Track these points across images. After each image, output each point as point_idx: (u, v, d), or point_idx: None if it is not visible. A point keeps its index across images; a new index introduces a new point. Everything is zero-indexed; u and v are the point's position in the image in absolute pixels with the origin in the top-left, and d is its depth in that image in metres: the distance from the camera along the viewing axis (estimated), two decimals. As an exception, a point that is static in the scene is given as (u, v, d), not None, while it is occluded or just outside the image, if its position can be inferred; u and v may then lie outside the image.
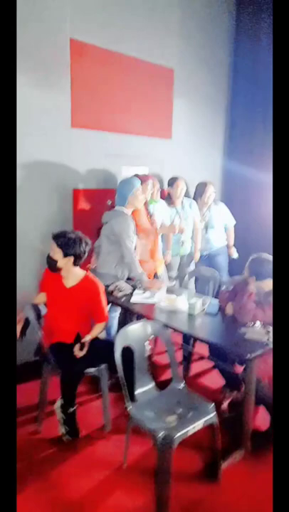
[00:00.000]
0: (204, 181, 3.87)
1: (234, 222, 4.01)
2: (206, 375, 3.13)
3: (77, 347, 2.30)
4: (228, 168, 4.61)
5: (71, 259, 2.35)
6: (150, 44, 3.71)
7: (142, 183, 3.12)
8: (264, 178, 4.21)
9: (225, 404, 2.63)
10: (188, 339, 3.13)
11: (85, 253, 2.39)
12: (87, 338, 2.36)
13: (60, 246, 2.33)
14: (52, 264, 2.39)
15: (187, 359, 3.15)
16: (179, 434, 1.84)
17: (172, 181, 3.63)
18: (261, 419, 2.50)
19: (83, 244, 2.37)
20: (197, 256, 3.80)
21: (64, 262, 2.36)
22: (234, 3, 4.43)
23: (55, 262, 2.36)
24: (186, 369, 3.13)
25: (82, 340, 2.33)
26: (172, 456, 1.84)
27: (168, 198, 3.69)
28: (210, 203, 3.86)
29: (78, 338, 2.38)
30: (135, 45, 3.58)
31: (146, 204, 3.31)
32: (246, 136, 4.43)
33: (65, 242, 2.32)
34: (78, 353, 2.29)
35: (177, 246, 3.67)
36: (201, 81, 4.24)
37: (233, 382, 2.62)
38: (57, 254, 2.35)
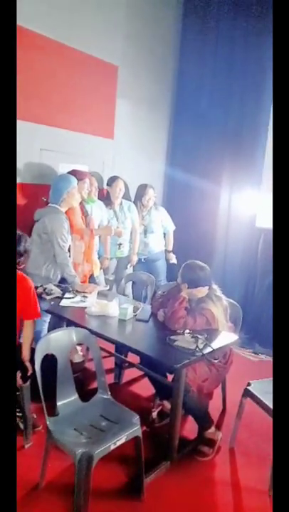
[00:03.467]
0: (145, 184, 3.81)
1: (174, 227, 3.99)
2: (139, 383, 3.04)
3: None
4: (170, 172, 4.61)
5: None
6: (95, 39, 3.58)
7: (78, 181, 2.98)
8: (206, 184, 4.25)
9: (154, 414, 2.56)
10: (120, 346, 3.02)
11: (25, 251, 2.21)
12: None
13: None
14: None
15: (119, 366, 3.04)
16: (99, 450, 1.72)
17: (111, 181, 3.53)
18: (189, 429, 2.46)
19: (22, 242, 2.18)
20: (134, 259, 3.73)
21: None
22: (181, 6, 4.43)
23: None
24: (118, 377, 3.02)
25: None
26: (91, 473, 1.71)
27: (107, 198, 3.58)
28: (150, 207, 3.81)
29: None
30: (80, 38, 3.44)
31: (82, 203, 3.16)
32: (189, 141, 4.44)
33: None
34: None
35: (114, 248, 3.57)
36: (145, 82, 4.19)
37: (163, 390, 2.55)
38: None
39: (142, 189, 3.77)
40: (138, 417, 1.95)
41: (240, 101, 4.10)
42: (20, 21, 2.94)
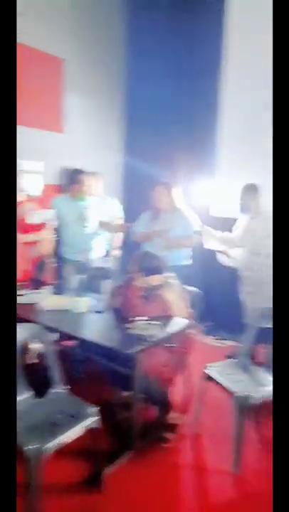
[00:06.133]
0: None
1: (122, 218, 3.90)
2: (100, 376, 3.00)
3: None
4: (127, 164, 4.58)
5: None
6: (40, 32, 3.51)
7: None
8: (162, 174, 4.24)
9: (116, 405, 2.53)
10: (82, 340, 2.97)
11: None
12: None
13: None
14: None
15: (79, 360, 2.98)
16: (50, 445, 1.67)
17: (75, 175, 3.44)
18: (152, 416, 2.45)
19: None
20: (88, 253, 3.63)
21: None
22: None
23: None
24: (78, 371, 2.96)
25: None
26: (41, 469, 1.65)
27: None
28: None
29: None
30: (23, 31, 3.35)
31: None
32: (145, 132, 4.43)
33: None
34: None
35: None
36: (94, 74, 4.15)
37: (123, 381, 2.52)
38: None
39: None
40: (96, 408, 1.91)
41: (191, 89, 4.13)
42: None
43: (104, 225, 3.38)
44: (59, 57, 3.74)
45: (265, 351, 3.07)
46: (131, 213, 4.02)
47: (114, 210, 3.68)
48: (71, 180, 3.42)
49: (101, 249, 3.64)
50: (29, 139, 3.53)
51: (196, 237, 3.25)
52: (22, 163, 3.40)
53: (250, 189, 3.16)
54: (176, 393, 2.48)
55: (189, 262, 3.32)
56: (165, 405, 2.34)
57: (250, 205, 3.14)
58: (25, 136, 3.49)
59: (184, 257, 3.27)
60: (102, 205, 3.58)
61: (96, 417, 1.88)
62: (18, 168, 3.22)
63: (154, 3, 4.26)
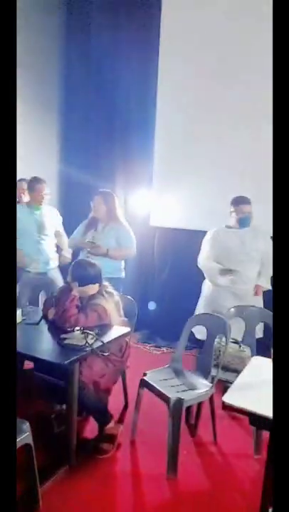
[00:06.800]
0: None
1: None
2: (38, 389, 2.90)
3: None
4: (63, 171, 4.53)
5: None
6: None
7: None
8: (100, 183, 4.26)
9: (52, 419, 2.47)
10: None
11: None
12: None
13: None
14: None
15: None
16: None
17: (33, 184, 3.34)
18: (90, 428, 2.42)
19: None
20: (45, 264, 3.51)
21: None
22: (65, 2, 4.39)
23: None
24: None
25: None
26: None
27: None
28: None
29: None
30: None
31: None
32: (81, 140, 4.42)
33: None
34: None
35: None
36: (28, 81, 4.07)
37: (60, 394, 2.47)
38: None
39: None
40: (27, 423, 1.85)
41: (126, 97, 4.19)
42: None
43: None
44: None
45: (196, 357, 3.21)
46: (66, 222, 3.99)
47: (57, 219, 3.62)
48: (29, 189, 3.33)
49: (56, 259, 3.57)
50: None
51: (131, 249, 3.25)
52: None
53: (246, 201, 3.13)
54: (113, 403, 2.48)
55: (122, 274, 3.31)
56: (102, 416, 2.33)
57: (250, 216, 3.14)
58: None
59: (118, 269, 3.25)
60: (52, 214, 3.54)
61: (28, 433, 1.82)
62: None
63: (89, 8, 4.29)
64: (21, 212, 3.19)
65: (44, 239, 3.41)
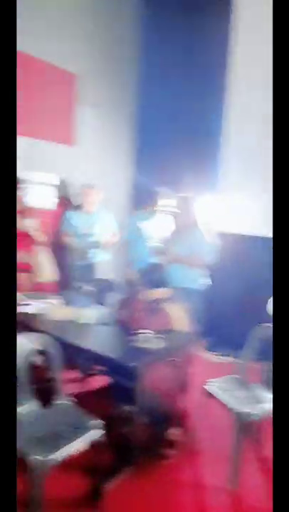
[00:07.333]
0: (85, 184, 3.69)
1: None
2: (104, 389, 3.01)
3: None
4: (136, 177, 4.64)
5: None
6: (52, 46, 3.60)
7: None
8: (172, 189, 4.30)
9: (117, 420, 2.54)
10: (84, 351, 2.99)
11: None
12: None
13: None
14: None
15: (83, 372, 3.00)
16: (53, 456, 1.68)
17: (81, 188, 3.53)
18: (152, 431, 2.46)
19: None
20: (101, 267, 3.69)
21: None
22: (141, 10, 4.49)
23: None
24: (82, 382, 2.99)
25: None
26: (44, 481, 1.67)
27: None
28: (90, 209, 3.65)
29: None
30: (37, 45, 3.45)
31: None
32: (155, 146, 4.50)
33: None
34: None
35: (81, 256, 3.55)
36: (107, 89, 4.24)
37: (125, 395, 2.54)
38: None
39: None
40: (100, 421, 1.93)
41: (202, 104, 4.21)
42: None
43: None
44: (72, 71, 3.83)
45: (264, 368, 3.10)
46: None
47: (111, 224, 3.72)
48: (83, 194, 3.51)
49: (106, 259, 3.71)
50: (42, 152, 3.61)
51: (207, 257, 3.12)
52: (34, 176, 3.49)
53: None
54: (176, 409, 2.50)
55: (197, 284, 3.13)
56: (165, 421, 2.36)
57: None
58: (38, 149, 3.57)
59: (192, 278, 3.08)
60: (105, 219, 3.66)
61: (100, 431, 1.91)
62: (31, 181, 3.31)
63: (167, 18, 4.35)
64: (75, 217, 3.43)
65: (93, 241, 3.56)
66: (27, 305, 2.66)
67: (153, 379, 2.23)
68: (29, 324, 2.44)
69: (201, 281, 3.19)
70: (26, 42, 3.34)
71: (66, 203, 3.87)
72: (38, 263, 3.03)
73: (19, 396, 2.00)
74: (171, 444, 2.34)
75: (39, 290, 3.01)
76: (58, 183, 3.86)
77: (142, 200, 4.46)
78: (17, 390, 1.98)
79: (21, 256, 2.92)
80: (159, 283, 2.44)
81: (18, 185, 3.02)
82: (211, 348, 3.94)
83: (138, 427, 2.15)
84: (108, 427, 1.98)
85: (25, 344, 2.07)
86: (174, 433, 2.37)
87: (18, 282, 2.84)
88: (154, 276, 2.45)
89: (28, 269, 2.98)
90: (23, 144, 3.43)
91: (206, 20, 4.12)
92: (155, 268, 2.50)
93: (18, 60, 3.32)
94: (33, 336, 2.14)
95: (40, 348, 2.20)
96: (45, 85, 3.59)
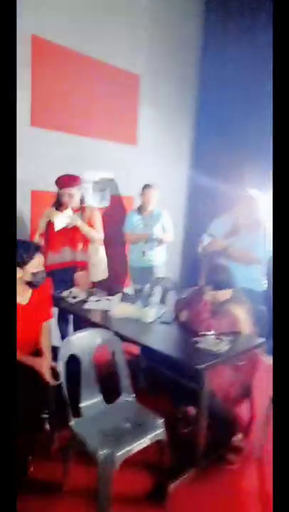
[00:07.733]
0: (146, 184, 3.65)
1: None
2: (164, 388, 2.99)
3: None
4: (194, 178, 4.60)
5: None
6: (116, 48, 3.66)
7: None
8: (230, 190, 4.19)
9: (179, 420, 2.51)
10: (148, 349, 2.99)
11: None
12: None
13: None
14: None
15: (144, 370, 3.01)
16: (122, 451, 1.70)
17: (143, 188, 3.55)
18: (215, 435, 2.39)
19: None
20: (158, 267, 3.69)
21: None
22: (203, 11, 4.46)
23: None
24: (142, 380, 2.99)
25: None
26: (113, 476, 1.69)
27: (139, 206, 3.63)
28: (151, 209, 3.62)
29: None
30: (101, 48, 3.53)
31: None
32: (213, 147, 4.42)
33: None
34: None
35: (138, 256, 3.57)
36: (168, 89, 4.24)
37: (185, 395, 2.50)
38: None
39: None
40: (162, 420, 1.92)
41: (259, 106, 4.07)
42: (43, 34, 3.07)
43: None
44: (135, 72, 3.87)
45: None
46: (196, 226, 4.04)
47: (169, 224, 3.68)
48: (143, 194, 3.53)
49: (162, 258, 3.69)
50: (105, 151, 3.69)
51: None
52: (95, 175, 3.58)
53: None
54: (241, 414, 2.41)
55: (260, 286, 3.05)
56: (230, 426, 2.29)
57: None
58: (101, 149, 3.66)
59: (255, 279, 3.01)
60: (164, 218, 3.64)
61: (162, 429, 1.89)
62: (91, 179, 3.39)
63: (229, 19, 4.27)
64: (133, 216, 3.54)
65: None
66: (92, 301, 2.73)
67: (216, 382, 2.17)
68: (95, 320, 2.49)
69: (263, 282, 3.07)
70: (94, 47, 3.45)
71: (124, 202, 3.92)
72: (94, 261, 3.08)
73: (84, 391, 2.05)
74: (234, 449, 2.26)
75: (95, 287, 3.07)
76: (118, 182, 3.91)
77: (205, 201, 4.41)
78: (82, 385, 2.03)
79: (78, 254, 2.99)
80: (223, 284, 2.36)
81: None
82: (271, 352, 3.75)
83: (200, 430, 2.09)
84: (170, 427, 1.96)
85: (90, 340, 2.11)
86: (239, 439, 2.28)
87: (75, 280, 2.93)
88: (218, 277, 2.37)
89: (84, 266, 3.04)
90: (87, 144, 3.53)
91: (268, 26, 3.96)
92: (219, 268, 2.42)
93: (86, 65, 3.46)
94: (97, 332, 2.17)
95: (104, 343, 2.24)
96: (110, 87, 3.66)
